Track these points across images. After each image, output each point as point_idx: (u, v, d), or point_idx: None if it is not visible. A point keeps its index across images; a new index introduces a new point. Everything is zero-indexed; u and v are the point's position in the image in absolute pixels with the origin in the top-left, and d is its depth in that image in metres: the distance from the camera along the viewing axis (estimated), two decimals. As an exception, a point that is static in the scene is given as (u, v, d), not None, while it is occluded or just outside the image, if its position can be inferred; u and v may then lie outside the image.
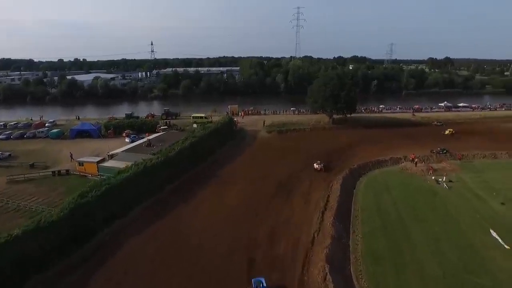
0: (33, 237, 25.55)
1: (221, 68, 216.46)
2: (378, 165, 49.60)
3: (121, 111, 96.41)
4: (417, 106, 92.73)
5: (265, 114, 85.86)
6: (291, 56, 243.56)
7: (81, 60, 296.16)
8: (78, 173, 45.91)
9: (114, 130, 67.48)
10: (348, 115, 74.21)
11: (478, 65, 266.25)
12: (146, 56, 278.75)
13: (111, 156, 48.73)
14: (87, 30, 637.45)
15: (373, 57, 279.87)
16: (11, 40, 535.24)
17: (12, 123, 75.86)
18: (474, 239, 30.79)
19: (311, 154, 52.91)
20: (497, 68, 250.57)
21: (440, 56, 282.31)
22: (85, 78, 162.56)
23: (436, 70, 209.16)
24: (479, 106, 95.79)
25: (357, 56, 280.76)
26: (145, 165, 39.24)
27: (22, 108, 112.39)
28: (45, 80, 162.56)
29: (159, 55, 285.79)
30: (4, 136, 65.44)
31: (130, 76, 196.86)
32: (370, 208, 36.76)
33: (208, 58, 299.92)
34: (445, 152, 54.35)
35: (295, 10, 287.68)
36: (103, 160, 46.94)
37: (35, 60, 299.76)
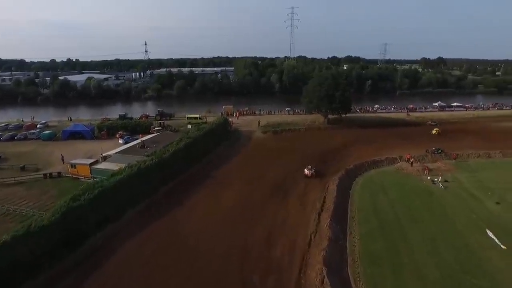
0: (23, 242, 24.84)
1: (215, 68, 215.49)
2: (374, 165, 49.55)
3: (114, 112, 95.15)
4: (411, 106, 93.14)
5: (260, 114, 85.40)
6: (285, 56, 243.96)
7: (74, 60, 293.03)
8: (70, 175, 45.00)
9: (108, 131, 66.55)
10: (343, 115, 74.16)
11: (470, 65, 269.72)
12: (140, 56, 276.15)
13: (104, 158, 48.01)
14: (80, 30, 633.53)
15: (367, 57, 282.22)
16: (1, 39, 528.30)
17: (3, 125, 74.31)
18: (470, 239, 30.77)
19: (306, 154, 52.80)
20: (488, 68, 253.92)
21: (433, 56, 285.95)
22: (78, 78, 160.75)
23: (429, 70, 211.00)
24: (472, 106, 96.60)
25: (351, 56, 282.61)
26: (139, 167, 38.61)
27: (13, 109, 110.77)
28: (36, 80, 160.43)
29: (153, 55, 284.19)
30: (-6, 138, 64.10)
31: (124, 76, 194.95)
32: (366, 209, 36.61)
33: (202, 58, 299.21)
34: (440, 152, 54.55)
35: (289, 10, 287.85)
36: (96, 162, 46.13)
37: (27, 60, 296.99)
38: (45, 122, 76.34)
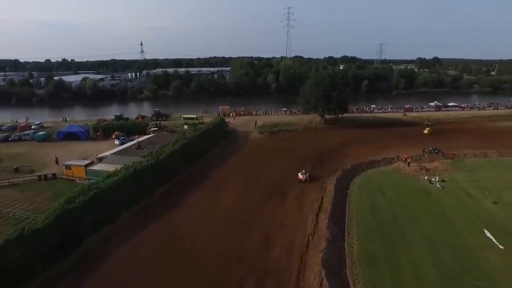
0: (17, 246, 24.35)
1: (211, 69, 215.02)
2: (371, 166, 49.52)
3: (110, 113, 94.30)
4: (408, 106, 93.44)
5: (256, 114, 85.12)
6: (281, 56, 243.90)
7: (69, 60, 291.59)
8: (65, 177, 44.41)
9: (103, 132, 65.91)
10: (340, 115, 74.21)
11: (465, 65, 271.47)
12: (136, 56, 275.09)
13: (100, 159, 47.42)
14: (75, 30, 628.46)
15: (363, 57, 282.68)
16: (1, 39, 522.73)
17: (-4, 126, 73.46)
18: (468, 239, 30.71)
19: (303, 154, 52.71)
20: (483, 68, 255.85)
21: (428, 56, 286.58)
22: (73, 78, 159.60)
23: (425, 70, 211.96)
24: (468, 106, 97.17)
25: (347, 56, 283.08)
26: (135, 168, 38.23)
27: (6, 110, 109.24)
28: (31, 81, 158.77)
29: (149, 56, 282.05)
30: (-13, 139, 63.16)
31: (120, 76, 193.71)
32: (364, 209, 36.49)
33: (199, 58, 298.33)
34: (437, 152, 54.66)
35: (286, 10, 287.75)
36: (91, 163, 45.58)
37: (21, 60, 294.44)
38: (40, 123, 75.43)
